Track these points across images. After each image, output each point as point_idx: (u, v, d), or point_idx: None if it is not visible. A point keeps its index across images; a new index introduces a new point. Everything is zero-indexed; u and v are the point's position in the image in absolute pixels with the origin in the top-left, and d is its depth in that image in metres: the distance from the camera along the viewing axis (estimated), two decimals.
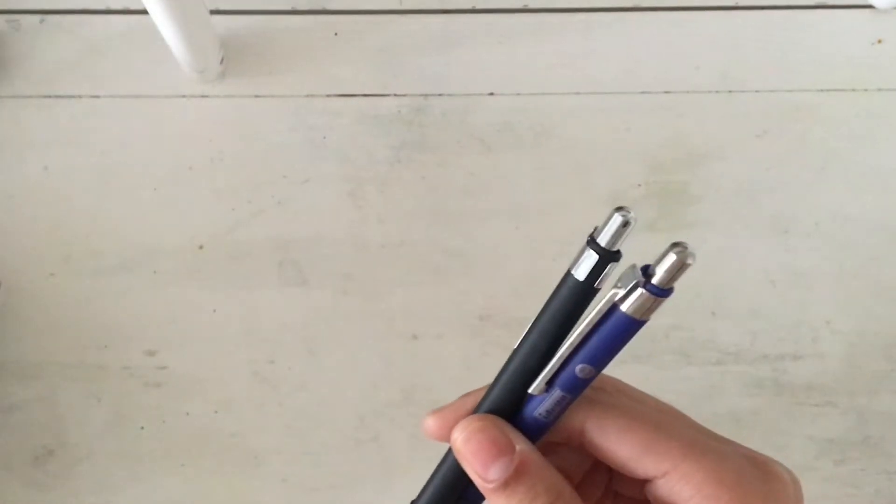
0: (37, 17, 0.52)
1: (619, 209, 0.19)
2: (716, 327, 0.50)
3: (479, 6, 0.53)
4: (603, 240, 0.19)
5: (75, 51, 0.52)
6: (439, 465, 0.24)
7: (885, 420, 0.49)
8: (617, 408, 0.22)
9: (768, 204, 0.51)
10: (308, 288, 0.49)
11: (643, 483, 0.22)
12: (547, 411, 0.22)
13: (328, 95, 0.52)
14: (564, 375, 0.21)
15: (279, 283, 0.49)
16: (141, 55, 0.51)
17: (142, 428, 0.48)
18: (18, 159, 0.50)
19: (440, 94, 0.52)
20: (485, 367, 0.48)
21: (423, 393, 0.48)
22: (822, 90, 0.53)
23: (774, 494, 0.21)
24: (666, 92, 0.52)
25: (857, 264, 0.51)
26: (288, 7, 0.53)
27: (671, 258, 0.19)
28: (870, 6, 0.54)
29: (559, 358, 0.21)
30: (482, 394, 0.23)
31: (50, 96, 0.51)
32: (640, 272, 0.19)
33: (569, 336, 0.21)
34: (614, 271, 0.20)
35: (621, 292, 0.20)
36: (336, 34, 0.53)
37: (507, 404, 0.22)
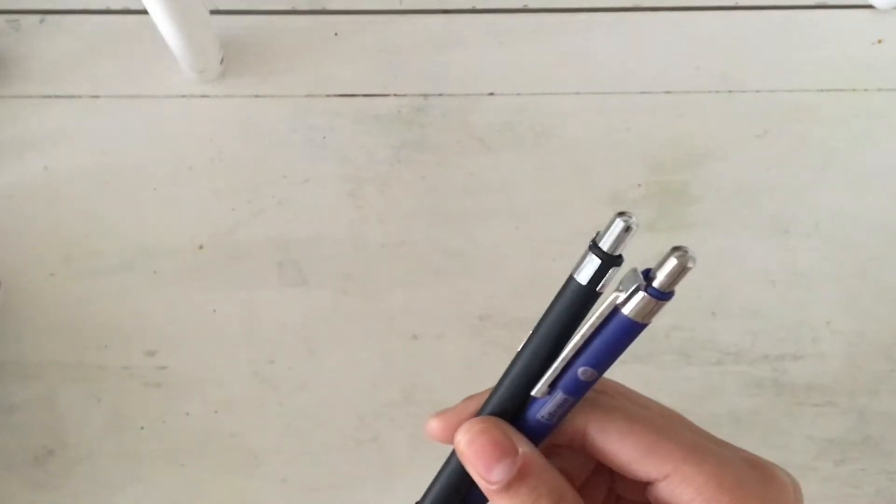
0: (37, 17, 0.52)
1: (620, 214, 0.19)
2: (716, 327, 0.50)
3: (479, 6, 0.53)
4: (605, 244, 0.20)
5: (75, 51, 0.52)
6: (443, 468, 0.24)
7: (885, 420, 0.49)
8: (619, 411, 0.22)
9: (768, 204, 0.51)
10: (308, 288, 0.49)
11: (645, 486, 0.22)
12: (550, 414, 0.22)
13: (328, 95, 0.52)
14: (567, 378, 0.21)
15: (279, 283, 0.49)
16: (141, 55, 0.51)
17: (142, 428, 0.48)
18: (18, 159, 0.50)
19: (440, 94, 0.52)
20: (485, 367, 0.48)
21: (423, 393, 0.48)
22: (822, 90, 0.53)
23: (774, 497, 0.21)
24: (666, 92, 0.52)
25: (857, 264, 0.51)
26: (288, 7, 0.53)
27: (672, 262, 0.19)
28: (870, 6, 0.54)
29: (561, 361, 0.21)
30: (485, 397, 0.23)
31: (50, 96, 0.51)
32: (641, 276, 0.20)
33: (571, 339, 0.21)
34: (616, 275, 0.20)
35: (623, 296, 0.20)
36: (336, 34, 0.53)
37: (510, 407, 0.22)
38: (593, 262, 0.20)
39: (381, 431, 0.48)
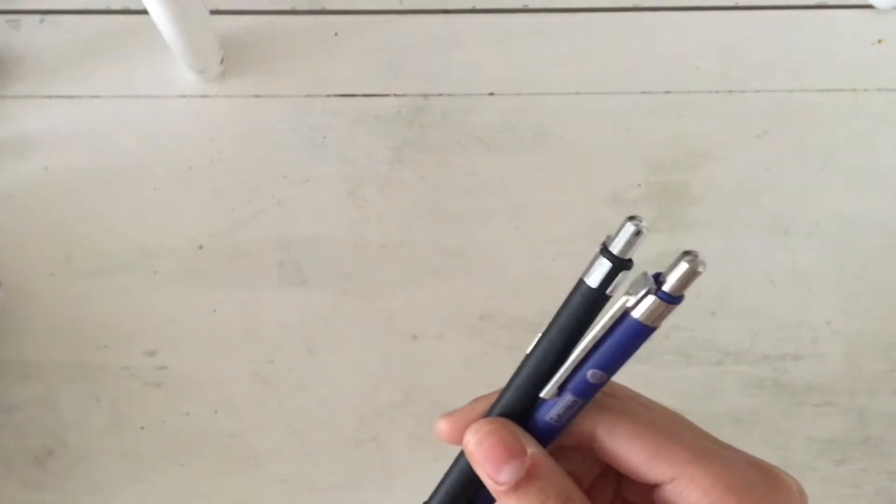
0: (37, 17, 0.52)
1: (631, 218, 0.20)
2: (716, 327, 0.50)
3: (479, 6, 0.53)
4: (615, 248, 0.20)
5: (75, 51, 0.52)
6: (450, 468, 0.24)
7: (885, 420, 0.49)
8: (627, 413, 0.22)
9: (768, 204, 0.51)
10: (308, 288, 0.49)
11: (651, 489, 0.22)
12: (558, 415, 0.22)
13: (328, 95, 0.52)
14: (576, 380, 0.22)
15: (279, 283, 0.49)
16: (141, 55, 0.51)
17: (142, 428, 0.48)
18: (18, 159, 0.50)
19: (440, 94, 0.52)
20: (485, 367, 0.48)
21: (423, 393, 0.48)
22: (822, 90, 0.53)
23: (780, 501, 0.21)
24: (666, 92, 0.52)
25: (857, 264, 0.51)
26: (288, 7, 0.53)
27: (683, 266, 0.19)
28: (870, 6, 0.54)
29: (571, 363, 0.21)
30: (493, 398, 0.24)
31: (50, 96, 0.51)
32: (651, 279, 0.20)
33: (580, 342, 0.21)
34: (626, 279, 0.21)
35: (633, 299, 0.20)
36: (336, 34, 0.53)
37: (518, 408, 0.23)
38: (603, 266, 0.20)
39: (381, 431, 0.48)
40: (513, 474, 0.21)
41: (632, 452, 0.22)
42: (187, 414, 0.48)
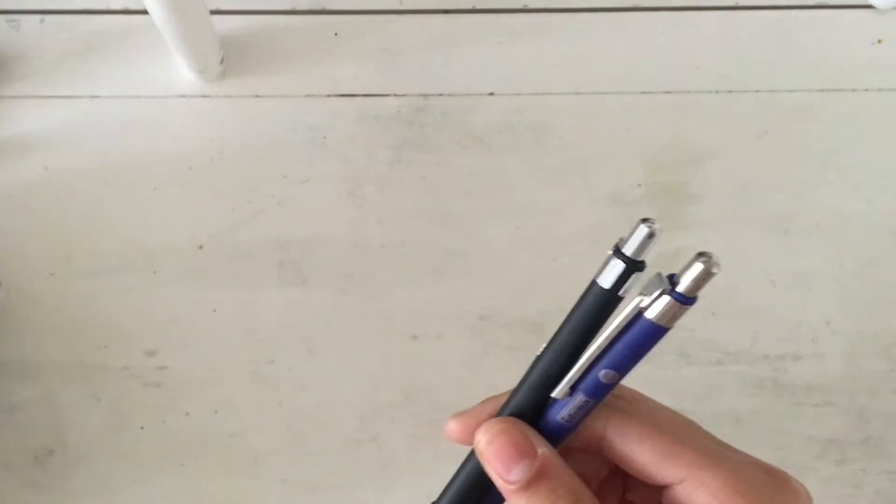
0: (37, 17, 0.52)
1: (644, 220, 0.20)
2: (716, 327, 0.50)
3: (479, 6, 0.53)
4: (629, 250, 0.20)
5: (75, 51, 0.52)
6: (459, 469, 0.24)
7: (885, 420, 0.49)
8: (637, 415, 0.23)
9: (768, 204, 0.51)
10: (308, 288, 0.49)
11: (659, 491, 0.22)
12: (570, 415, 0.22)
13: (328, 95, 0.52)
14: (588, 380, 0.22)
15: (279, 283, 0.49)
16: (141, 55, 0.51)
17: (142, 428, 0.48)
18: (18, 159, 0.50)
19: (440, 94, 0.52)
20: (485, 367, 0.48)
21: (423, 393, 0.48)
22: (822, 90, 0.53)
23: None
24: (666, 92, 0.52)
25: (857, 264, 0.51)
26: (288, 7, 0.53)
27: (698, 267, 0.19)
28: (870, 6, 0.54)
29: (584, 363, 0.22)
30: (502, 399, 0.24)
31: (50, 96, 0.51)
32: (666, 280, 0.20)
33: (593, 342, 0.22)
34: (638, 282, 0.21)
35: (647, 299, 0.20)
36: (336, 34, 0.53)
37: (529, 408, 0.23)
38: (617, 267, 0.20)
39: (381, 431, 0.48)
40: (523, 474, 0.21)
41: (642, 454, 0.22)
42: (187, 414, 0.48)
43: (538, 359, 0.23)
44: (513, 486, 0.21)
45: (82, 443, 0.47)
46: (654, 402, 0.24)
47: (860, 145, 0.52)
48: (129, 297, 0.49)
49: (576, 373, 0.22)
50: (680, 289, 0.20)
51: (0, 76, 0.51)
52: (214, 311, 0.49)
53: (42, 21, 0.52)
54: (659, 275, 0.20)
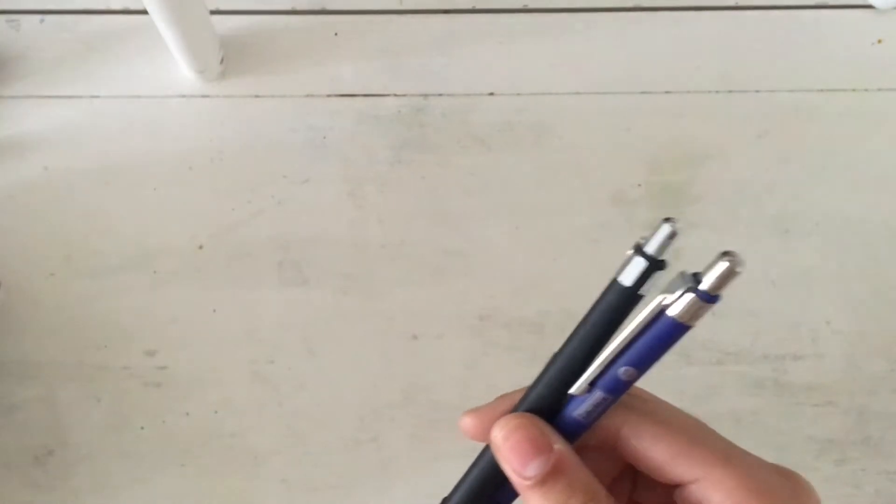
0: (37, 17, 0.52)
1: (667, 220, 0.20)
2: (716, 327, 0.50)
3: (479, 6, 0.53)
4: (650, 248, 0.21)
5: (75, 51, 0.52)
6: (473, 465, 0.24)
7: (885, 420, 0.49)
8: (652, 414, 0.23)
9: (768, 204, 0.51)
10: (308, 288, 0.49)
11: (669, 493, 0.22)
12: (587, 412, 0.22)
13: (328, 95, 0.52)
14: (607, 377, 0.22)
15: (279, 283, 0.49)
16: (141, 55, 0.51)
17: (142, 428, 0.48)
18: (18, 159, 0.50)
19: (440, 94, 0.52)
20: (485, 367, 0.48)
21: (423, 393, 0.48)
22: (822, 90, 0.53)
23: None
24: (666, 92, 0.52)
25: (857, 264, 0.51)
26: (288, 7, 0.53)
27: (723, 265, 0.20)
28: (870, 6, 0.54)
29: (604, 360, 0.22)
30: (517, 396, 0.24)
31: (50, 96, 0.51)
32: (690, 278, 0.20)
33: (613, 339, 0.22)
34: (658, 280, 0.21)
35: (670, 297, 0.20)
36: (336, 34, 0.53)
37: (546, 405, 0.23)
38: (639, 265, 0.21)
39: (381, 431, 0.48)
40: (539, 469, 0.21)
41: (657, 452, 0.22)
42: (187, 414, 0.48)
43: (555, 356, 0.23)
44: (528, 482, 0.21)
45: (82, 443, 0.47)
46: (666, 402, 0.24)
47: (860, 145, 0.52)
48: (129, 297, 0.49)
49: (595, 369, 0.22)
50: (703, 287, 0.20)
51: (0, 76, 0.51)
52: (214, 311, 0.49)
53: (42, 21, 0.52)
54: (682, 273, 0.21)
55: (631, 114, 0.52)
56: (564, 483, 0.21)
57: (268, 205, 0.50)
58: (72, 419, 0.48)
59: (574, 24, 0.53)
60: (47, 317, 0.48)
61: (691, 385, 0.49)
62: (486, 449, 0.24)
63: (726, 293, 0.20)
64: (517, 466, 0.22)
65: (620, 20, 0.53)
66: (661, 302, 0.21)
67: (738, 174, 0.52)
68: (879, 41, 0.54)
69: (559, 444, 0.22)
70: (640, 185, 0.51)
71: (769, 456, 0.22)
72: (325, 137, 0.51)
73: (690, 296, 0.20)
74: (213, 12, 0.52)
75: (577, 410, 0.22)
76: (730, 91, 0.53)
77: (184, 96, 0.51)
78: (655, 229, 0.20)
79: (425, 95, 0.52)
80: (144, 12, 0.43)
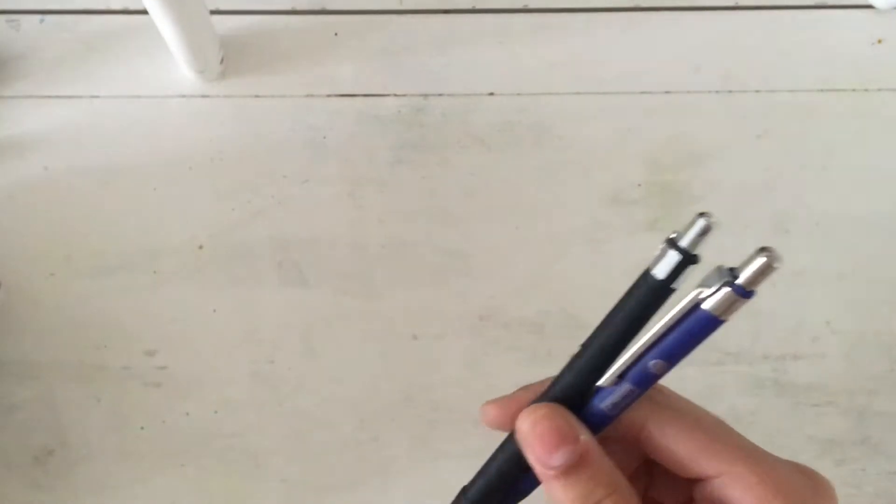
0: (37, 17, 0.52)
1: (702, 214, 0.20)
2: None
3: (479, 6, 0.53)
4: (684, 242, 0.20)
5: (75, 51, 0.52)
6: (495, 453, 0.24)
7: (885, 420, 0.49)
8: (677, 410, 0.23)
9: (768, 204, 0.51)
10: (308, 288, 0.49)
11: (686, 488, 0.23)
12: (613, 404, 0.22)
13: (328, 95, 0.52)
14: (636, 370, 0.22)
15: (279, 283, 0.49)
16: (141, 55, 0.51)
17: (142, 428, 0.48)
18: (18, 159, 0.50)
19: (440, 94, 0.52)
20: (485, 367, 0.48)
21: (423, 393, 0.48)
22: (822, 90, 0.53)
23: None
24: (666, 92, 0.52)
25: (857, 264, 0.51)
26: (288, 7, 0.53)
27: (760, 261, 0.20)
28: (870, 6, 0.54)
29: (635, 352, 0.22)
30: (538, 388, 0.24)
31: (50, 96, 0.51)
32: (727, 272, 0.20)
33: (644, 332, 0.22)
34: (689, 274, 0.21)
35: (706, 291, 0.20)
36: (336, 34, 0.53)
37: (571, 395, 0.23)
38: (673, 258, 0.21)
39: (381, 431, 0.48)
40: (564, 459, 0.21)
41: (681, 446, 0.22)
42: (187, 414, 0.48)
43: (583, 347, 0.23)
44: (552, 472, 0.21)
45: (82, 443, 0.47)
46: (685, 398, 0.24)
47: (860, 145, 0.52)
48: (129, 297, 0.49)
49: (626, 361, 0.22)
50: (740, 281, 0.20)
51: (0, 76, 0.51)
52: (214, 311, 0.49)
53: (42, 21, 0.52)
54: (719, 267, 0.21)
55: (631, 114, 0.52)
56: (589, 474, 0.21)
57: (268, 205, 0.50)
58: (72, 419, 0.48)
59: (574, 24, 0.53)
60: (47, 317, 0.48)
61: (691, 385, 0.49)
62: (509, 438, 0.24)
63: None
64: (542, 455, 0.22)
65: (620, 20, 0.53)
66: (696, 295, 0.21)
67: (738, 174, 0.52)
68: (879, 41, 0.54)
69: (585, 436, 0.22)
70: (640, 185, 0.51)
71: None
72: (325, 137, 0.51)
73: (727, 290, 0.20)
74: (213, 12, 0.52)
75: (604, 402, 0.22)
76: (730, 91, 0.53)
77: (184, 96, 0.51)
78: (690, 223, 0.20)
79: (425, 95, 0.52)
80: (144, 12, 0.43)
